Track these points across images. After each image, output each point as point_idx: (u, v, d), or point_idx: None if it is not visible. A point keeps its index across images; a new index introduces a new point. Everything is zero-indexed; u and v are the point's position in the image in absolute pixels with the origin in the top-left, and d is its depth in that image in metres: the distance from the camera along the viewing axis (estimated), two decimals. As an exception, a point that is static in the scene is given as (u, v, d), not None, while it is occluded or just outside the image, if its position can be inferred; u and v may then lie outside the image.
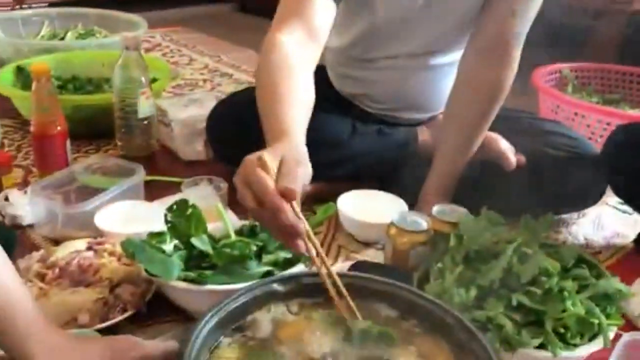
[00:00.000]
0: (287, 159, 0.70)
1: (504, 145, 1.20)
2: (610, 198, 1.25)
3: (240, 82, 2.03)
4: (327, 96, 1.33)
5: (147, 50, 2.34)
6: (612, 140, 1.10)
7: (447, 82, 1.24)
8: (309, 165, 0.73)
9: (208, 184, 1.15)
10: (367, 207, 1.18)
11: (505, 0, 1.08)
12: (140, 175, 1.16)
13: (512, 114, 1.28)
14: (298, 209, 0.68)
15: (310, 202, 1.24)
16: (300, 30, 0.96)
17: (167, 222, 0.89)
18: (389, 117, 1.30)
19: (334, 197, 1.20)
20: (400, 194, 1.20)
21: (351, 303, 0.69)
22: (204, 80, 2.04)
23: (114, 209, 1.09)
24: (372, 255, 1.11)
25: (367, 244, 1.14)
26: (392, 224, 0.97)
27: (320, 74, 1.39)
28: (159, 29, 2.60)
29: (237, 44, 2.49)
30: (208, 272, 0.84)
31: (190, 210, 0.89)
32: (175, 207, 0.89)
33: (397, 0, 1.12)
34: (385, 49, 1.22)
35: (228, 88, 1.96)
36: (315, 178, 1.22)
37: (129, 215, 1.09)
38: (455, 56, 1.22)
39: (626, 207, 1.24)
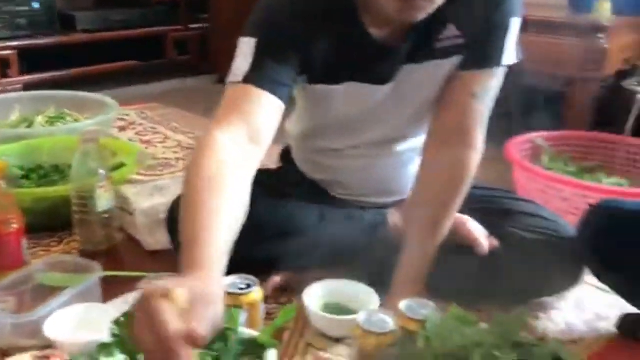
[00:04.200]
0: (199, 298, 0.65)
1: (475, 229, 1.16)
2: (592, 277, 1.20)
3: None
4: (295, 181, 1.31)
5: (122, 129, 2.32)
6: (585, 223, 1.06)
7: (413, 167, 1.22)
8: (221, 305, 0.69)
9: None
10: (336, 300, 1.13)
11: (465, 84, 1.07)
12: (95, 275, 1.11)
13: (485, 194, 1.25)
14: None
15: (278, 294, 1.19)
16: (242, 131, 0.93)
17: (113, 335, 0.83)
18: (358, 202, 1.26)
19: (303, 287, 1.15)
20: (372, 282, 1.15)
21: None
22: (177, 159, 2.01)
23: (67, 314, 1.03)
24: (342, 352, 1.04)
25: (337, 340, 1.08)
26: (357, 324, 0.92)
27: (287, 158, 1.37)
28: (135, 105, 2.59)
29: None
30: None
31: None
32: (122, 319, 0.83)
33: (356, 96, 1.10)
34: (348, 140, 1.20)
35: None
36: (283, 268, 1.21)
37: (83, 319, 1.03)
38: (419, 141, 1.20)
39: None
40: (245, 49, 1.00)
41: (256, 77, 0.97)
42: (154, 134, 2.29)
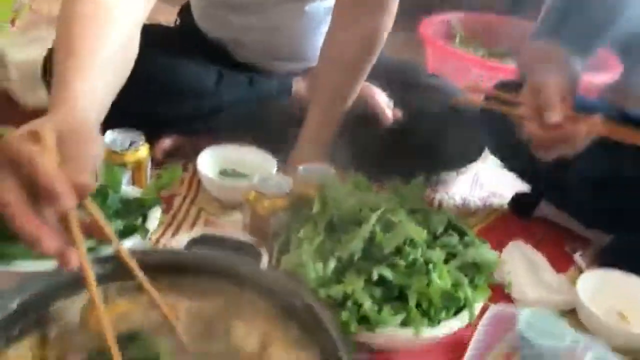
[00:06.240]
0: (68, 135, 0.52)
1: (382, 100, 1.12)
2: (491, 156, 1.20)
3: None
4: (193, 41, 1.19)
5: (3, -20, 2.05)
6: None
7: (322, 31, 1.13)
8: (97, 143, 0.57)
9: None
10: (232, 166, 1.07)
11: None
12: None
13: (394, 65, 1.20)
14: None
15: (167, 159, 1.10)
16: None
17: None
18: (262, 67, 1.17)
19: (197, 152, 1.07)
20: (272, 150, 1.09)
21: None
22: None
23: None
24: (237, 220, 1.00)
25: (232, 207, 1.03)
26: (251, 186, 0.86)
27: (186, 14, 1.25)
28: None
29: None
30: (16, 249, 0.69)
31: None
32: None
33: None
34: None
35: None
36: (175, 131, 1.12)
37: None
38: (331, 2, 1.11)
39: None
40: None
41: None
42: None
